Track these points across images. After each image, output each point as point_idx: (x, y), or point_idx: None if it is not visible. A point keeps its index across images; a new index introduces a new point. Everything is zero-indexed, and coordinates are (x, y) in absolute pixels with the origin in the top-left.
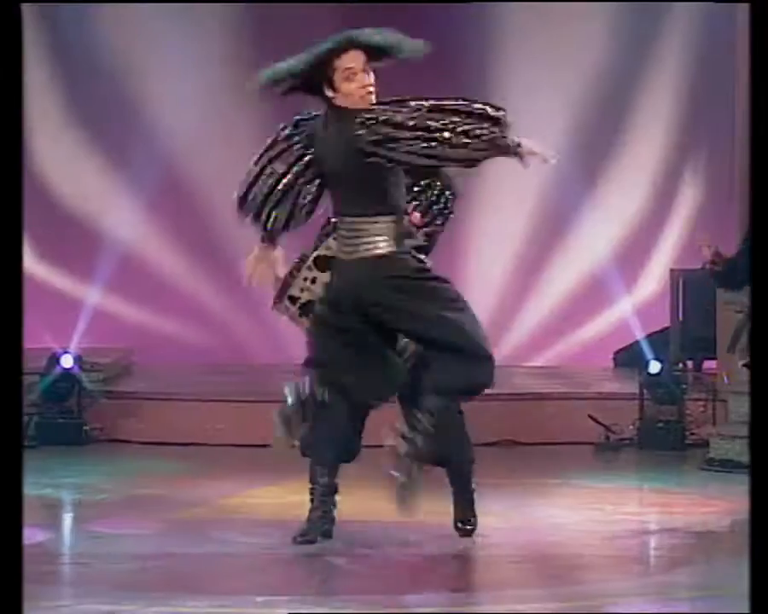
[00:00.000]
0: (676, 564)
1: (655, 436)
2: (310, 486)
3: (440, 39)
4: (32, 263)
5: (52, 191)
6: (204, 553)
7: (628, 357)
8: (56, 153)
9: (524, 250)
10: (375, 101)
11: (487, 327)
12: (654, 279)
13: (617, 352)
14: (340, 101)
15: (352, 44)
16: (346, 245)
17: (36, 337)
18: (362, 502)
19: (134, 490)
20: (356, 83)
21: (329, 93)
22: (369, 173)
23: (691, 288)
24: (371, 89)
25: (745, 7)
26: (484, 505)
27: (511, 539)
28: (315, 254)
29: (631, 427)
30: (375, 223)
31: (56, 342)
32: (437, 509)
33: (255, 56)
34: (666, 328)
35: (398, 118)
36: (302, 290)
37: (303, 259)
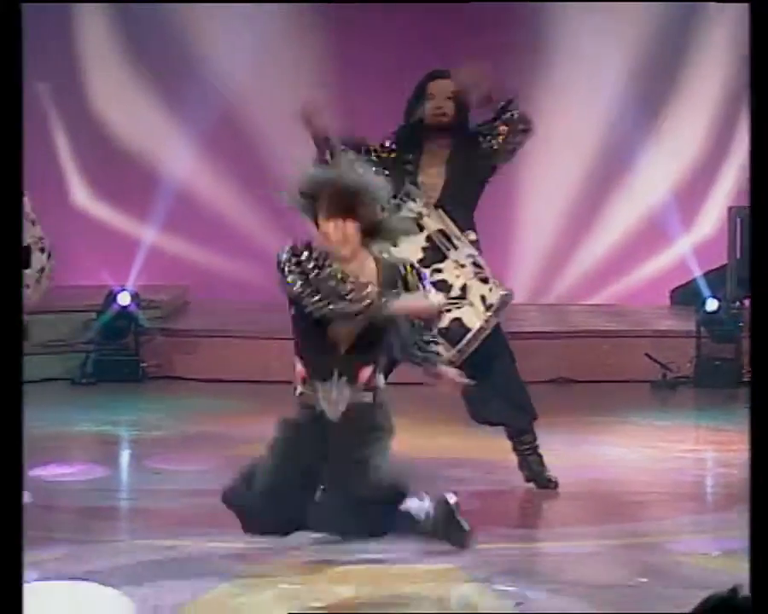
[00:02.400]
0: (732, 502)
1: (712, 374)
2: None
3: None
4: (89, 202)
5: (109, 130)
6: None
7: (685, 295)
8: (113, 93)
9: (581, 188)
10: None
11: (544, 265)
12: (712, 217)
13: (674, 290)
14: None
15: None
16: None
17: (93, 275)
18: (415, 440)
19: (190, 427)
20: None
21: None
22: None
23: (749, 226)
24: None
25: None
26: (540, 443)
27: (568, 476)
28: (399, 214)
29: (688, 365)
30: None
31: (113, 280)
32: (491, 446)
33: None
34: (724, 266)
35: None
36: None
37: None
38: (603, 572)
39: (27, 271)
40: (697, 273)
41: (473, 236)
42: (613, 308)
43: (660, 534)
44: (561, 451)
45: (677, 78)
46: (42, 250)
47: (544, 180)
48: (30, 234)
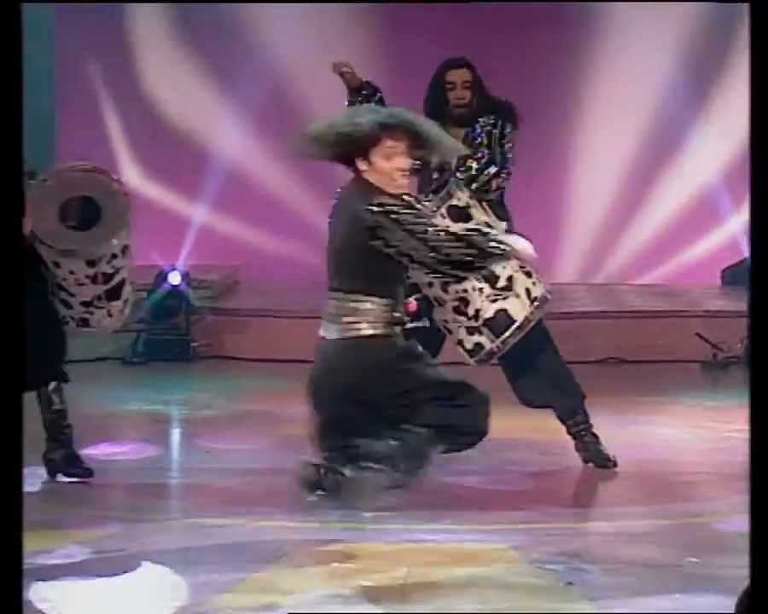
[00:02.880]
0: None
1: None
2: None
3: None
4: (140, 182)
5: (160, 110)
6: None
7: (736, 275)
8: (164, 73)
9: (632, 168)
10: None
11: (594, 245)
12: None
13: (725, 270)
14: (371, 176)
15: (402, 124)
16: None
17: (144, 254)
18: None
19: (241, 406)
20: (395, 164)
21: (362, 166)
22: (367, 254)
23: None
24: (407, 173)
25: None
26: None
27: (618, 456)
28: (449, 203)
29: (738, 345)
30: (366, 303)
31: (164, 259)
32: (543, 426)
33: None
34: None
35: (414, 227)
36: None
37: (435, 208)
38: (653, 552)
39: (116, 303)
40: (748, 253)
41: (504, 225)
42: (664, 287)
43: (710, 514)
44: (611, 431)
45: (726, 60)
46: (132, 283)
47: (594, 159)
48: (128, 269)
